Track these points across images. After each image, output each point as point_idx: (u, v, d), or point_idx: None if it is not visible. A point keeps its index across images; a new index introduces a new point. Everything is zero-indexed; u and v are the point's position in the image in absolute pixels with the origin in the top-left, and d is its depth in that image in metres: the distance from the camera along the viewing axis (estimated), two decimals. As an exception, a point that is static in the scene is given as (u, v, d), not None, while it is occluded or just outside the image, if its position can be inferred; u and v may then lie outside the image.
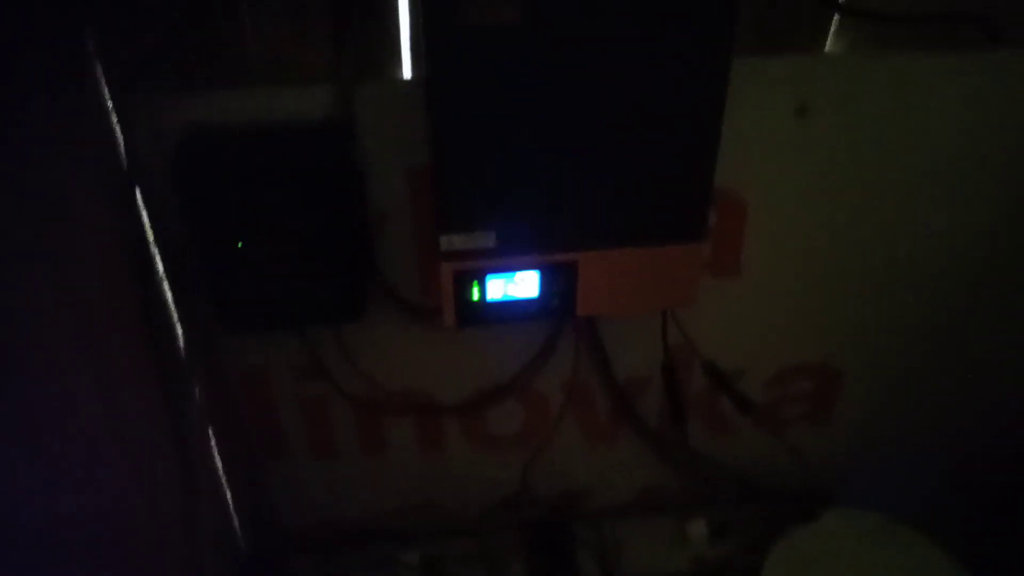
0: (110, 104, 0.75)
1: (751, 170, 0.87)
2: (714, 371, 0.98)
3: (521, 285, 0.80)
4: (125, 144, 0.76)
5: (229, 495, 1.03)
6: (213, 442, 0.98)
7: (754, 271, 0.95)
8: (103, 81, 0.73)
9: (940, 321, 1.02)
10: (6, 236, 0.62)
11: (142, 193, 0.78)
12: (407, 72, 0.78)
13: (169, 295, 0.85)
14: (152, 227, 0.80)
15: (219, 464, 0.99)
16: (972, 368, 1.07)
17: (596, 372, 1.00)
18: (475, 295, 0.79)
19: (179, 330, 0.86)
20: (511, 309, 0.81)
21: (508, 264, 0.78)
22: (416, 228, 0.84)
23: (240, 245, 0.75)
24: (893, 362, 1.05)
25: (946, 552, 1.01)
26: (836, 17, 0.83)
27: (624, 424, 1.06)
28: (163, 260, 0.82)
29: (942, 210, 0.91)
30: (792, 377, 1.05)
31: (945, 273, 0.97)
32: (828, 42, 0.84)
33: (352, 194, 0.78)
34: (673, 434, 1.06)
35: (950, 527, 1.02)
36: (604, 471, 1.11)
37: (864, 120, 0.84)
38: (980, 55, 0.82)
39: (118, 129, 0.76)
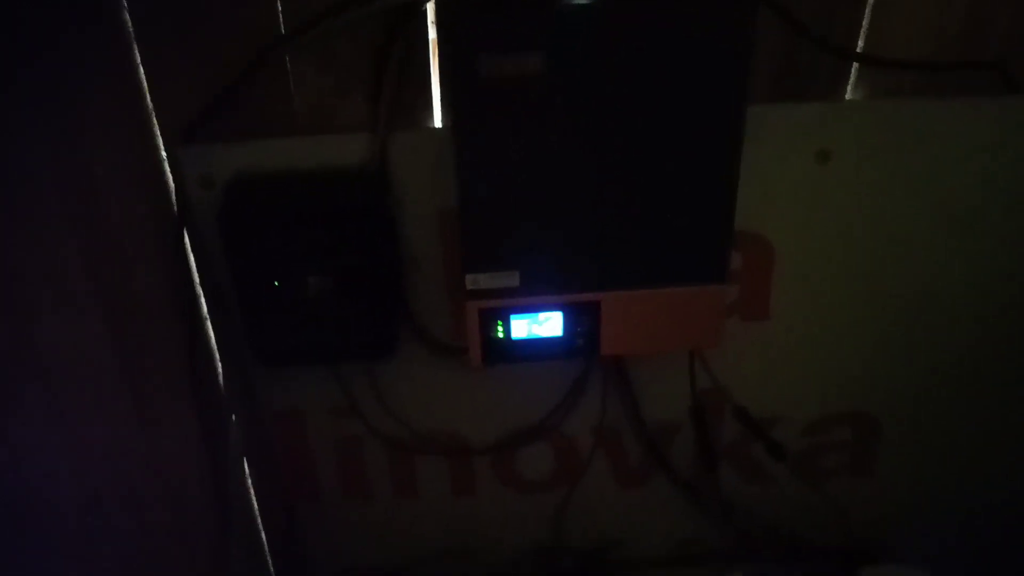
0: (164, 154, 0.81)
1: (776, 214, 0.88)
2: (745, 416, 0.97)
3: (545, 324, 0.82)
4: (176, 191, 0.81)
5: (264, 537, 1.05)
6: (250, 482, 1.00)
7: (784, 314, 0.95)
8: (158, 133, 0.80)
9: (979, 363, 1.00)
10: (62, 277, 0.67)
11: (190, 236, 0.84)
12: (438, 121, 0.82)
13: (211, 334, 0.89)
14: (197, 268, 0.85)
15: (255, 505, 1.02)
16: (1018, 414, 1.04)
17: (625, 416, 1.01)
18: (500, 333, 0.81)
19: (219, 368, 0.90)
20: (536, 348, 0.83)
21: (532, 303, 0.80)
22: (446, 269, 0.88)
23: (276, 284, 0.79)
24: (933, 408, 1.03)
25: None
26: (854, 68, 0.85)
27: (656, 470, 1.06)
28: (207, 300, 0.87)
29: (968, 252, 0.91)
30: (829, 425, 1.04)
31: (979, 313, 0.96)
32: (847, 93, 0.86)
33: (385, 235, 0.81)
34: (706, 481, 1.05)
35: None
36: (638, 519, 1.10)
37: (886, 164, 0.85)
38: (998, 100, 0.83)
39: (170, 177, 0.82)
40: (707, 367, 0.95)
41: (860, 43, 0.82)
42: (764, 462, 1.05)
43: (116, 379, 0.74)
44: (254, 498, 1.01)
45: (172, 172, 0.81)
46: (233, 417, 0.93)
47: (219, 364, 0.91)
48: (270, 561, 1.06)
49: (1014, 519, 1.11)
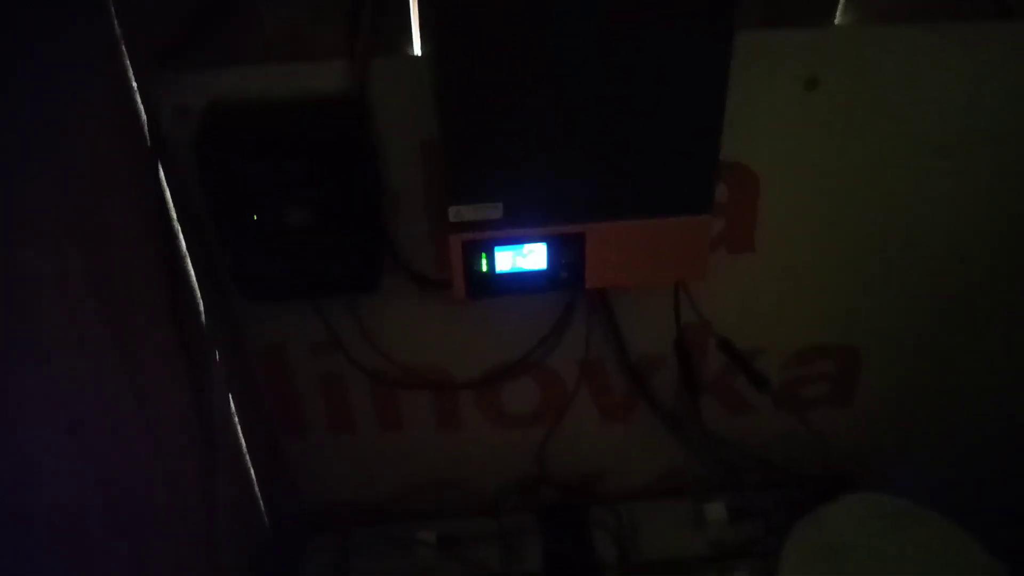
0: (134, 81, 0.78)
1: (763, 144, 0.87)
2: (728, 348, 0.97)
3: (530, 257, 0.81)
4: (148, 119, 0.79)
5: (252, 471, 1.06)
6: (236, 418, 1.00)
7: (770, 246, 0.94)
8: (127, 58, 0.77)
9: (961, 296, 1.00)
10: (32, 209, 0.65)
11: (164, 167, 0.82)
12: (418, 48, 0.80)
13: (191, 268, 0.88)
14: (174, 201, 0.84)
15: (241, 439, 1.02)
16: (996, 346, 1.05)
17: (610, 349, 1.01)
18: (484, 266, 0.81)
19: (200, 303, 0.89)
20: (520, 281, 0.82)
21: (516, 235, 0.79)
22: (429, 201, 0.86)
23: (255, 218, 0.78)
24: (914, 340, 1.04)
25: (972, 536, 0.99)
26: (846, -8, 0.83)
27: (639, 403, 1.07)
28: (184, 233, 0.85)
29: (956, 181, 0.90)
30: (810, 356, 1.05)
31: (963, 245, 0.96)
32: (837, 18, 0.84)
33: (366, 166, 0.80)
34: (689, 413, 1.06)
35: (977, 513, 1.00)
36: (621, 452, 1.12)
37: (875, 92, 0.84)
38: (990, 25, 0.81)
39: (141, 105, 0.79)
40: (692, 300, 0.95)
41: (851, -34, 0.81)
42: (747, 394, 1.06)
43: (94, 314, 0.72)
44: (240, 433, 1.01)
45: (144, 100, 0.79)
46: (216, 352, 0.92)
47: (200, 299, 0.89)
48: (258, 495, 1.07)
49: (990, 448, 1.14)
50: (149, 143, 0.79)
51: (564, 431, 1.08)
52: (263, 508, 1.09)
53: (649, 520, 1.12)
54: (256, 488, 1.07)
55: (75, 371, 0.68)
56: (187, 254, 0.87)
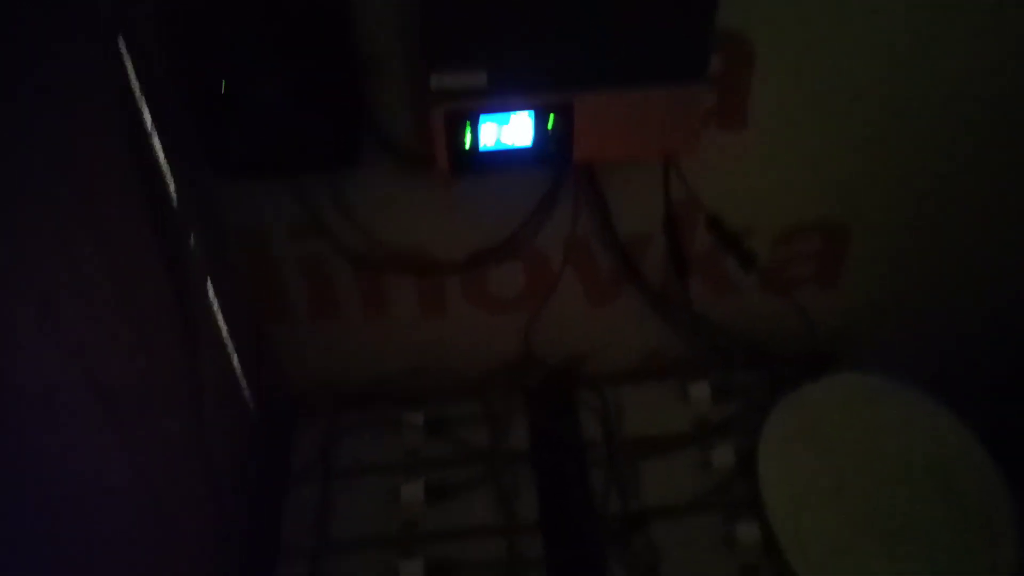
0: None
1: (760, 10, 0.83)
2: (717, 226, 0.96)
3: (515, 130, 0.77)
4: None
5: (235, 359, 1.04)
6: (216, 305, 0.98)
7: (762, 122, 0.91)
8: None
9: (954, 173, 0.98)
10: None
11: (125, 40, 0.76)
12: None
13: (160, 149, 0.83)
14: (137, 76, 0.78)
15: (223, 325, 1.00)
16: (986, 225, 1.05)
17: (597, 229, 0.99)
18: (468, 141, 0.77)
19: (171, 183, 0.85)
20: (507, 155, 0.79)
21: (501, 105, 0.75)
22: (409, 73, 0.82)
23: (224, 86, 0.73)
24: (904, 218, 1.03)
25: (953, 413, 1.00)
26: None
27: (626, 283, 1.06)
28: (150, 110, 0.81)
29: (956, 48, 0.87)
30: (799, 235, 1.03)
31: (961, 119, 0.93)
32: None
33: (340, 30, 0.75)
34: (676, 293, 1.06)
35: (960, 393, 1.02)
36: (607, 333, 1.12)
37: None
38: None
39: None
40: (681, 175, 0.92)
41: None
42: (734, 274, 1.05)
43: (60, 187, 0.69)
44: (221, 320, 0.99)
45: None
46: (191, 235, 0.89)
47: (170, 179, 0.86)
48: (243, 381, 1.07)
49: (976, 327, 1.15)
50: (107, 10, 0.73)
51: (550, 313, 1.07)
52: (248, 395, 1.09)
53: (634, 400, 1.12)
54: (240, 375, 1.06)
55: (45, 246, 0.65)
56: (154, 132, 0.83)
